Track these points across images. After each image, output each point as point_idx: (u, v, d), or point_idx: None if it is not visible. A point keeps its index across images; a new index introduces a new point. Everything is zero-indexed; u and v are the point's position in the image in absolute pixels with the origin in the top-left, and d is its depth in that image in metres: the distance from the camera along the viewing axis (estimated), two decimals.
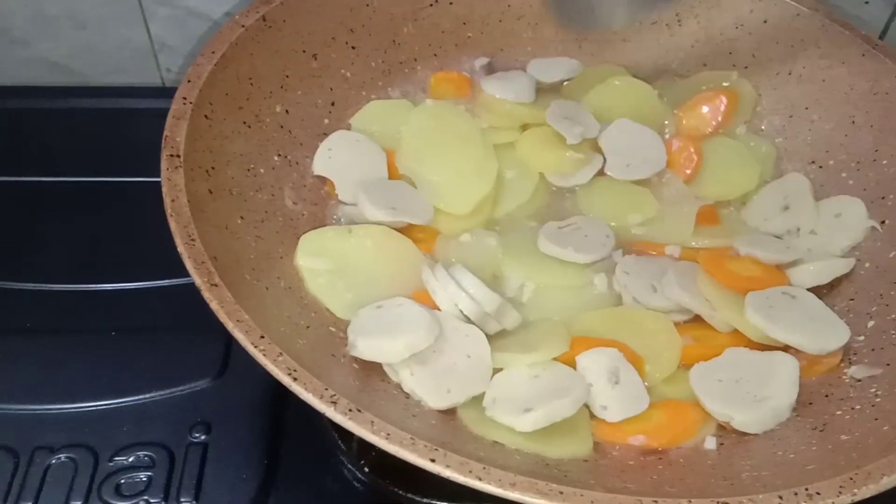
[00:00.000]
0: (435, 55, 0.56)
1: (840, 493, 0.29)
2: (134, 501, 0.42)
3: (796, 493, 0.29)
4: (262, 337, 0.33)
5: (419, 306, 0.41)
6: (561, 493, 0.29)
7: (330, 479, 0.44)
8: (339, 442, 0.44)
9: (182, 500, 0.42)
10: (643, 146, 0.53)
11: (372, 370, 0.40)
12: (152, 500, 0.42)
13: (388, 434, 0.31)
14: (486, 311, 0.42)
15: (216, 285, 0.34)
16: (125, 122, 0.63)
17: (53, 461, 0.43)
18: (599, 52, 0.58)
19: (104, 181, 0.58)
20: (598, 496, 0.29)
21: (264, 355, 0.32)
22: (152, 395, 0.46)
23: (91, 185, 0.58)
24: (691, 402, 0.40)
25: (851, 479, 0.30)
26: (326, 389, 0.32)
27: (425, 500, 0.42)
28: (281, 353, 0.33)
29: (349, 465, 0.44)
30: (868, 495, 0.30)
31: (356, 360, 0.41)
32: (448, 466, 0.30)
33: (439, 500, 0.42)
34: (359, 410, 0.31)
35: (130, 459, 0.43)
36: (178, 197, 0.37)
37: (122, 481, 0.43)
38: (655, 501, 0.28)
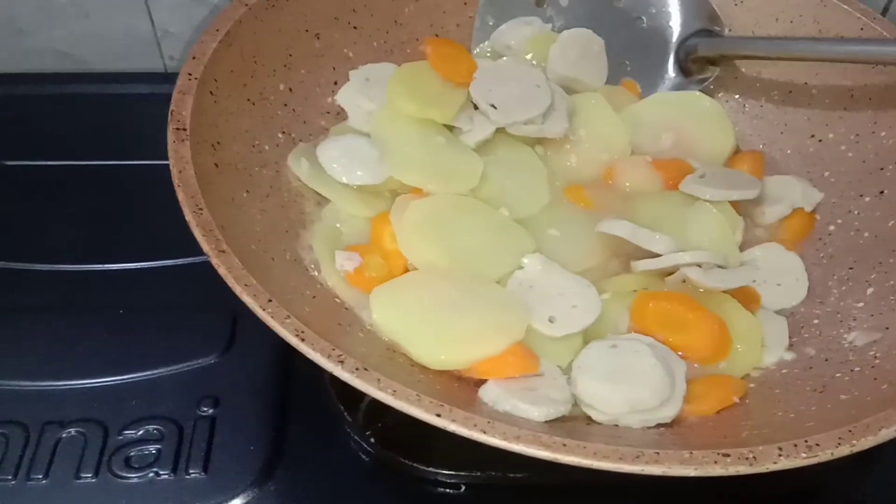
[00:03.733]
0: (437, 35, 0.57)
1: (839, 444, 0.30)
2: (143, 473, 0.42)
3: (796, 445, 0.30)
4: (270, 301, 0.33)
5: (654, 359, 0.38)
6: (564, 445, 0.29)
7: (336, 450, 0.44)
8: (345, 413, 0.45)
9: (191, 471, 0.43)
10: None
11: (377, 339, 0.41)
12: (161, 472, 0.42)
13: (395, 391, 0.31)
14: None
15: (224, 251, 0.35)
16: (129, 108, 0.64)
17: (64, 435, 0.44)
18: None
19: (109, 164, 0.59)
20: (600, 447, 0.29)
21: (272, 317, 0.33)
22: (160, 370, 0.47)
23: (96, 168, 0.59)
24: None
25: (850, 431, 0.30)
26: (334, 349, 0.32)
27: (430, 469, 0.43)
28: (289, 316, 0.33)
29: (355, 437, 0.44)
30: (866, 447, 0.30)
31: (362, 329, 0.41)
32: (454, 421, 0.31)
33: (444, 468, 0.43)
34: (365, 369, 0.32)
35: (140, 433, 0.44)
36: (185, 168, 0.38)
37: (132, 454, 0.43)
38: (657, 452, 0.29)
